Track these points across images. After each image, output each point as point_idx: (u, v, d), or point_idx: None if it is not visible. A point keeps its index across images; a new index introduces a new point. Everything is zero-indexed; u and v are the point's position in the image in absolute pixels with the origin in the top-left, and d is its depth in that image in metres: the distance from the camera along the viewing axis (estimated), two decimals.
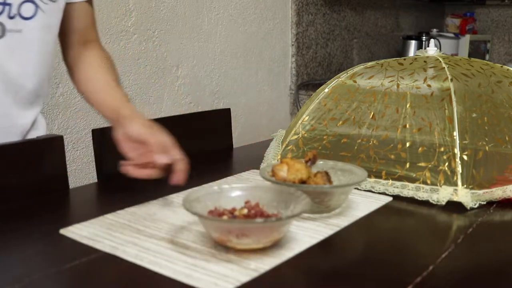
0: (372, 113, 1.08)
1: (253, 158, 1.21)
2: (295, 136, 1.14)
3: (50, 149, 1.02)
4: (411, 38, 3.07)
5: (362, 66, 1.19)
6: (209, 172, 1.13)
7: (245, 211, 0.76)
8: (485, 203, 0.94)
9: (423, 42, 3.00)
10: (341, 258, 0.76)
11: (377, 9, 3.05)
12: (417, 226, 0.89)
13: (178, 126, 1.31)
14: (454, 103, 1.01)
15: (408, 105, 1.05)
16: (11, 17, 0.92)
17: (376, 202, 0.95)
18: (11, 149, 0.97)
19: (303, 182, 0.85)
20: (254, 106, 2.34)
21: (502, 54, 3.61)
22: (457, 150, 0.97)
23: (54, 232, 0.79)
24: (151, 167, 0.88)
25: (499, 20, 3.63)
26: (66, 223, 0.82)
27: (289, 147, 1.13)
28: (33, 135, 1.04)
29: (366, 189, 1.00)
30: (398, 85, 1.08)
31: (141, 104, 1.85)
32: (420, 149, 1.00)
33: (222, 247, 0.72)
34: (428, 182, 0.97)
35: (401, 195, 0.97)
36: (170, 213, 0.87)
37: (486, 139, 1.00)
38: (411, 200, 0.96)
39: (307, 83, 2.54)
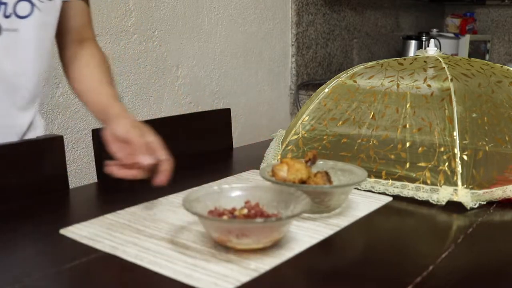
0: (372, 113, 1.08)
1: (253, 158, 1.21)
2: (295, 136, 1.14)
3: (50, 149, 1.02)
4: (411, 38, 3.07)
5: (362, 66, 1.19)
6: (209, 172, 1.13)
7: (245, 211, 0.76)
8: (485, 203, 0.94)
9: (423, 42, 3.00)
10: (341, 258, 0.76)
11: (377, 9, 3.05)
12: (417, 226, 0.89)
13: (178, 126, 1.31)
14: (454, 103, 1.01)
15: (408, 105, 1.05)
16: (6, 16, 0.91)
17: (376, 202, 0.95)
18: (11, 149, 0.97)
19: (303, 182, 0.85)
20: (254, 106, 2.34)
21: (502, 54, 3.61)
22: (457, 150, 0.97)
23: (54, 232, 0.79)
24: (136, 168, 0.87)
25: (499, 20, 3.63)
26: (66, 223, 0.82)
27: (289, 147, 1.13)
28: (31, 135, 1.04)
29: (366, 189, 1.00)
30: (398, 85, 1.08)
31: (141, 104, 1.85)
32: (420, 149, 1.00)
33: (222, 247, 0.72)
34: (428, 182, 0.97)
35: (401, 195, 0.97)
36: (170, 213, 0.87)
37: (486, 139, 1.00)
38: (411, 200, 0.96)
39: (307, 83, 2.54)
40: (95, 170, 1.10)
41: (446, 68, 1.08)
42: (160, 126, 1.29)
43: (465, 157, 0.96)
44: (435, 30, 3.24)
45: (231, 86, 2.21)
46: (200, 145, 1.32)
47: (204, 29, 2.06)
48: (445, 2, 3.68)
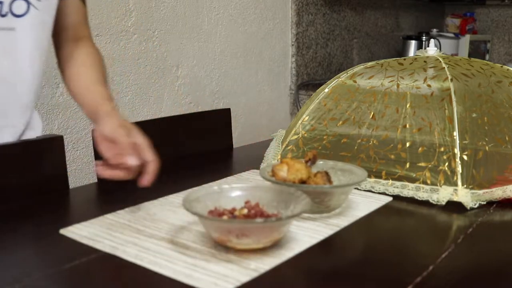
0: (372, 113, 1.08)
1: (253, 158, 1.21)
2: (295, 136, 1.14)
3: (50, 149, 1.02)
4: (411, 38, 3.07)
5: (362, 66, 1.19)
6: (209, 172, 1.13)
7: (245, 211, 0.76)
8: (485, 203, 0.94)
9: (423, 42, 3.00)
10: (341, 258, 0.76)
11: (377, 9, 3.05)
12: (417, 226, 0.89)
13: (178, 126, 1.31)
14: (454, 103, 1.01)
15: (408, 105, 1.05)
16: (3, 15, 0.91)
17: (376, 202, 0.95)
18: (11, 149, 0.97)
19: (303, 182, 0.85)
20: (254, 106, 2.34)
21: (502, 54, 3.61)
22: (457, 150, 0.97)
23: (54, 232, 0.79)
24: (122, 169, 0.86)
25: (499, 20, 3.63)
26: (66, 223, 0.82)
27: (289, 147, 1.13)
28: (29, 135, 1.04)
29: (366, 189, 1.00)
30: (398, 85, 1.09)
31: (141, 104, 1.85)
32: (420, 149, 1.00)
33: (222, 247, 0.72)
34: (428, 182, 0.97)
35: (401, 195, 0.97)
36: (170, 213, 0.87)
37: (486, 139, 1.00)
38: (411, 200, 0.96)
39: (307, 83, 2.54)
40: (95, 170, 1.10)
41: (446, 68, 1.08)
42: (160, 126, 1.30)
43: (465, 157, 0.96)
44: (435, 30, 3.24)
45: (231, 86, 2.21)
46: (200, 145, 1.32)
47: (204, 29, 2.06)
48: (445, 2, 3.68)
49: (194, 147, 1.30)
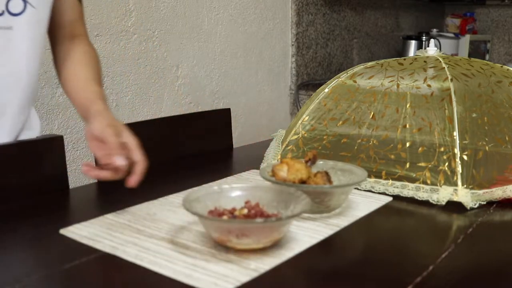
0: (372, 113, 1.08)
1: (253, 158, 1.21)
2: (295, 136, 1.14)
3: (50, 149, 1.02)
4: (411, 38, 3.07)
5: (362, 66, 1.19)
6: (209, 172, 1.13)
7: (245, 211, 0.76)
8: (485, 203, 0.94)
9: (423, 42, 3.00)
10: (341, 258, 0.76)
11: (377, 9, 3.05)
12: (417, 226, 0.89)
13: (178, 126, 1.32)
14: (454, 103, 1.01)
15: (408, 105, 1.05)
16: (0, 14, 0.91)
17: (376, 202, 0.95)
18: (11, 149, 0.97)
19: (303, 182, 0.85)
20: (254, 106, 2.34)
21: (502, 54, 3.61)
22: (457, 150, 0.97)
23: (54, 232, 0.79)
24: (110, 169, 0.86)
25: (499, 20, 3.63)
26: (66, 223, 0.82)
27: (289, 147, 1.13)
28: (27, 135, 1.04)
29: (366, 189, 1.00)
30: (398, 85, 1.09)
31: (141, 104, 1.85)
32: (420, 149, 1.00)
33: (222, 247, 0.72)
34: (428, 182, 0.97)
35: (401, 195, 0.97)
36: (170, 213, 0.87)
37: (486, 139, 1.00)
38: (411, 200, 0.96)
39: (307, 83, 2.54)
40: None
41: (446, 68, 1.08)
42: (160, 126, 1.30)
43: (465, 157, 0.96)
44: (435, 30, 3.24)
45: (231, 86, 2.21)
46: (200, 145, 1.32)
47: (204, 29, 2.06)
48: (445, 2, 3.68)
49: (194, 147, 1.30)
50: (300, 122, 1.15)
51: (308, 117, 1.15)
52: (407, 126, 1.03)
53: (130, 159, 0.86)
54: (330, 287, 0.66)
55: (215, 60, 2.12)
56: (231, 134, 1.43)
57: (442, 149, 0.98)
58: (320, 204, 0.85)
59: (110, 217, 0.85)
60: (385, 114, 1.07)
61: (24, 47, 0.96)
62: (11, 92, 0.97)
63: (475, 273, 0.71)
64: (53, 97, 1.59)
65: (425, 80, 1.07)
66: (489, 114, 1.03)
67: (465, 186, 0.94)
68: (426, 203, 0.94)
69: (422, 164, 0.98)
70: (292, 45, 2.49)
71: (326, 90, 1.17)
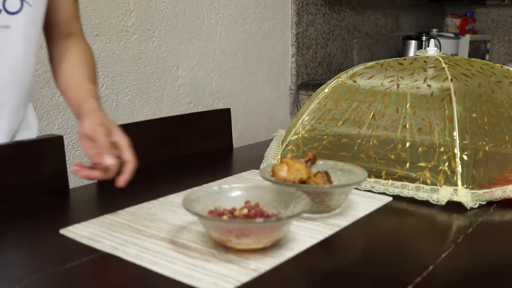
0: (372, 113, 1.08)
1: (253, 158, 1.21)
2: (295, 136, 1.14)
3: (50, 149, 1.02)
4: (411, 38, 3.07)
5: (362, 66, 1.19)
6: (209, 172, 1.13)
7: (245, 211, 0.76)
8: (485, 203, 0.94)
9: (423, 42, 3.00)
10: (341, 258, 0.76)
11: (377, 9, 3.05)
12: (417, 226, 0.89)
13: (178, 126, 1.31)
14: (454, 103, 1.01)
15: (408, 105, 1.05)
16: None
17: (376, 202, 0.95)
18: (11, 149, 0.97)
19: (303, 182, 0.85)
20: (254, 106, 2.34)
21: (502, 54, 3.61)
22: (457, 150, 0.97)
23: (54, 232, 0.79)
24: (99, 168, 0.86)
25: (499, 20, 3.63)
26: (66, 223, 0.82)
27: (289, 147, 1.13)
28: (24, 135, 1.03)
29: (366, 189, 1.00)
30: (398, 85, 1.09)
31: (141, 104, 1.85)
32: (420, 149, 1.00)
33: (222, 247, 0.72)
34: (428, 182, 0.97)
35: (401, 195, 0.97)
36: (170, 213, 0.87)
37: (486, 139, 1.00)
38: (411, 200, 0.96)
39: (307, 83, 2.54)
40: None
41: (446, 68, 1.08)
42: (160, 126, 1.30)
43: (465, 157, 0.96)
44: (435, 30, 3.24)
45: (231, 86, 2.21)
46: (200, 145, 1.32)
47: (204, 29, 2.06)
48: (445, 2, 3.68)
49: (194, 147, 1.30)
50: (300, 122, 1.15)
51: (308, 117, 1.15)
52: (407, 126, 1.03)
53: (120, 158, 0.86)
54: (330, 287, 0.66)
55: (215, 60, 2.12)
56: (231, 134, 1.43)
57: (442, 149, 0.98)
58: (320, 204, 0.85)
59: (110, 217, 0.85)
60: (385, 114, 1.07)
61: (21, 45, 0.96)
62: (8, 91, 0.97)
63: (475, 273, 0.71)
64: (53, 97, 1.59)
65: (425, 80, 1.07)
66: (489, 114, 1.03)
67: (465, 186, 0.94)
68: (426, 203, 0.94)
69: (422, 164, 0.98)
70: (292, 45, 2.49)
71: (326, 90, 1.17)
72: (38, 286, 0.65)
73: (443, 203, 0.93)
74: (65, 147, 1.05)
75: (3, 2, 0.91)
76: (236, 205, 0.78)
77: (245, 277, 0.65)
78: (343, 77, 1.18)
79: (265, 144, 1.31)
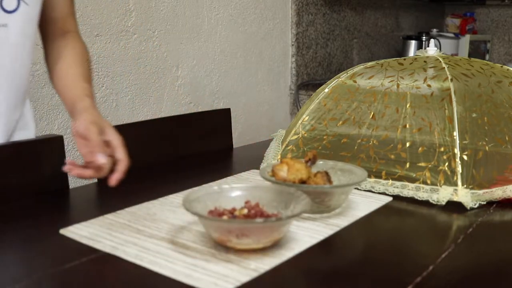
0: (372, 113, 1.08)
1: (253, 158, 1.21)
2: (295, 136, 1.14)
3: (50, 149, 1.02)
4: (411, 38, 3.07)
5: (362, 66, 1.19)
6: (209, 172, 1.13)
7: (245, 211, 0.76)
8: (485, 203, 0.94)
9: (423, 42, 3.00)
10: (341, 258, 0.76)
11: (377, 9, 3.05)
12: (417, 226, 0.89)
13: (178, 126, 1.31)
14: (454, 103, 1.01)
15: (408, 105, 1.05)
16: None
17: (376, 202, 0.95)
18: (11, 149, 0.97)
19: (303, 182, 0.85)
20: (254, 106, 2.34)
21: (502, 54, 3.61)
22: (457, 150, 0.97)
23: (54, 232, 0.79)
24: (93, 167, 0.86)
25: (499, 20, 3.63)
26: (66, 223, 0.82)
27: (289, 147, 1.13)
28: (21, 135, 1.03)
29: (366, 189, 1.00)
30: (398, 85, 1.08)
31: (141, 104, 1.85)
32: (420, 149, 1.00)
33: (222, 247, 0.72)
34: (428, 182, 0.97)
35: (401, 195, 0.97)
36: (170, 213, 0.87)
37: (486, 139, 1.00)
38: (411, 200, 0.96)
39: (307, 83, 2.54)
40: None
41: (446, 68, 1.08)
42: (160, 126, 1.30)
43: (465, 157, 0.96)
44: (435, 30, 3.24)
45: (231, 86, 2.21)
46: (200, 145, 1.32)
47: (204, 29, 2.06)
48: (445, 2, 3.68)
49: (194, 147, 1.30)
50: (300, 122, 1.15)
51: (308, 117, 1.15)
52: (407, 126, 1.03)
53: (113, 157, 0.86)
54: (330, 287, 0.66)
55: (215, 60, 2.12)
56: (231, 134, 1.43)
57: (442, 149, 0.98)
58: (320, 204, 0.85)
59: (110, 217, 0.85)
60: (385, 114, 1.07)
61: (18, 44, 0.96)
62: (5, 90, 0.97)
63: (475, 273, 0.71)
64: (53, 97, 1.59)
65: (425, 80, 1.07)
66: (489, 114, 1.03)
67: (465, 186, 0.94)
68: (426, 203, 0.94)
69: (422, 164, 0.98)
70: (292, 45, 2.49)
71: (326, 90, 1.17)
72: (38, 286, 0.65)
73: (443, 203, 0.93)
74: (65, 147, 1.05)
75: (0, 1, 0.91)
76: (236, 205, 0.78)
77: (245, 277, 0.65)
78: (343, 77, 1.18)
79: (265, 144, 1.31)
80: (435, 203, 0.94)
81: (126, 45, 1.78)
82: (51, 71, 1.06)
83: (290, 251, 0.73)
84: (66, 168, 0.87)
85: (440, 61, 1.11)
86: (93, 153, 0.85)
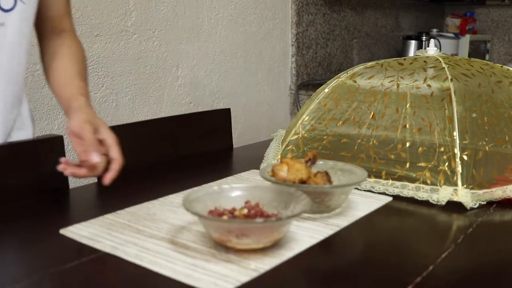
0: (372, 113, 1.08)
1: (253, 158, 1.21)
2: (295, 136, 1.14)
3: (50, 149, 1.02)
4: (411, 38, 3.07)
5: (362, 66, 1.19)
6: (209, 172, 1.13)
7: (245, 211, 0.76)
8: (485, 203, 0.94)
9: (423, 42, 3.00)
10: (341, 258, 0.76)
11: (377, 9, 3.05)
12: (417, 226, 0.89)
13: (178, 126, 1.31)
14: (454, 103, 1.01)
15: (408, 105, 1.05)
16: None
17: (376, 202, 0.94)
18: (11, 149, 0.97)
19: (303, 182, 0.85)
20: (254, 106, 2.34)
21: (502, 54, 3.61)
22: (457, 150, 0.97)
23: (54, 232, 0.79)
24: (87, 166, 0.86)
25: (499, 20, 3.63)
26: (66, 223, 0.82)
27: (289, 147, 1.13)
28: (19, 135, 1.03)
29: (366, 189, 1.00)
30: (398, 85, 1.08)
31: (141, 104, 1.85)
32: (420, 149, 1.00)
33: (222, 247, 0.72)
34: (428, 182, 0.97)
35: (401, 195, 0.97)
36: (170, 213, 0.87)
37: (486, 139, 1.00)
38: (411, 200, 0.96)
39: (307, 83, 2.54)
40: None
41: (446, 68, 1.08)
42: (160, 126, 1.30)
43: (465, 157, 0.96)
44: (435, 30, 3.24)
45: (231, 86, 2.21)
46: (200, 145, 1.32)
47: (204, 29, 2.06)
48: (445, 2, 3.69)
49: (194, 147, 1.30)
50: (300, 122, 1.15)
51: (308, 117, 1.15)
52: (407, 126, 1.03)
53: (107, 156, 0.86)
54: (330, 287, 0.66)
55: (215, 60, 2.12)
56: (231, 134, 1.43)
57: (442, 149, 0.98)
58: (320, 204, 0.85)
59: (110, 217, 0.85)
60: (385, 114, 1.07)
61: (15, 43, 0.96)
62: (2, 89, 0.96)
63: (475, 273, 0.71)
64: (53, 97, 1.58)
65: (425, 80, 1.07)
66: (489, 114, 1.03)
67: (465, 186, 0.94)
68: (426, 203, 0.94)
69: (422, 164, 0.98)
70: (292, 45, 2.49)
71: (326, 90, 1.17)
72: (38, 286, 0.65)
73: (443, 203, 0.93)
74: (65, 147, 1.05)
75: None
76: (236, 205, 0.78)
77: (245, 277, 0.65)
78: (343, 77, 1.18)
79: (265, 144, 1.31)
80: (435, 203, 0.94)
81: (126, 45, 1.78)
82: (47, 70, 1.06)
83: (290, 251, 0.73)
84: (60, 167, 0.87)
85: (440, 61, 1.11)
86: (87, 152, 0.86)
